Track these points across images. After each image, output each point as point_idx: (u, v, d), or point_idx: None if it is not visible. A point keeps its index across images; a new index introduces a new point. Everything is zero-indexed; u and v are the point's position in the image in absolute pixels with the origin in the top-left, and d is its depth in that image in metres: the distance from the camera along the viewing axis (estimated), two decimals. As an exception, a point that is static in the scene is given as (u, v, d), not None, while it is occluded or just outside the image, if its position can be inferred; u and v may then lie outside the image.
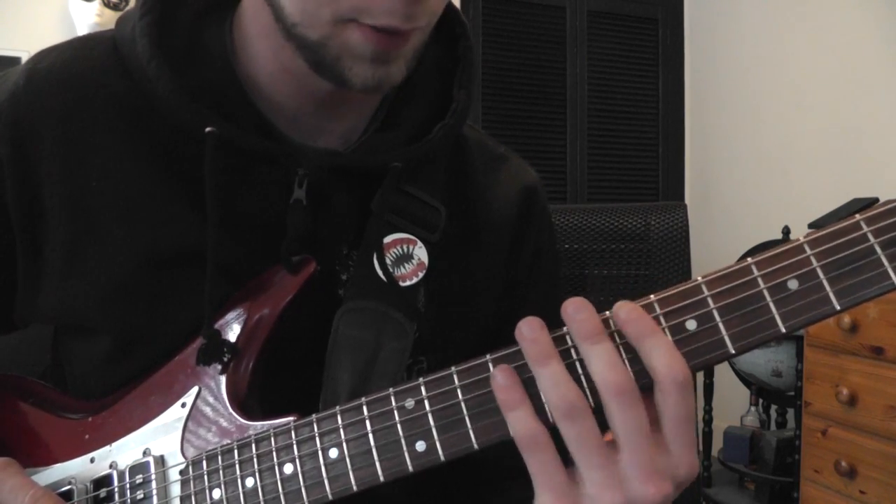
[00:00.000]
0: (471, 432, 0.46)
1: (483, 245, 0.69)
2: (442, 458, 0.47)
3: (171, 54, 0.58)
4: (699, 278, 0.44)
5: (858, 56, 2.61)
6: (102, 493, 0.56)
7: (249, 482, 0.51)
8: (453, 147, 0.69)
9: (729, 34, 3.24)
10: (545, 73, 3.24)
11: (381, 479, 0.47)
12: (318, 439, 0.49)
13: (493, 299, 0.69)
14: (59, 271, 0.59)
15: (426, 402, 0.47)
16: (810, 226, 2.12)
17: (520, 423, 0.43)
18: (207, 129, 0.56)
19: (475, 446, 0.46)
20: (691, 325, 0.44)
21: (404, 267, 0.61)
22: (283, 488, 0.50)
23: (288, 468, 0.50)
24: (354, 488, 0.48)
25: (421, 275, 0.61)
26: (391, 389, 0.49)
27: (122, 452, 0.56)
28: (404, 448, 0.47)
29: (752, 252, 2.55)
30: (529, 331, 0.44)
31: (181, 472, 0.54)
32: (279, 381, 0.59)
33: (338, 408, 0.50)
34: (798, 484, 1.99)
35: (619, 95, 3.37)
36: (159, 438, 0.55)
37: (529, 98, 3.21)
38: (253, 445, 0.51)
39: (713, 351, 0.44)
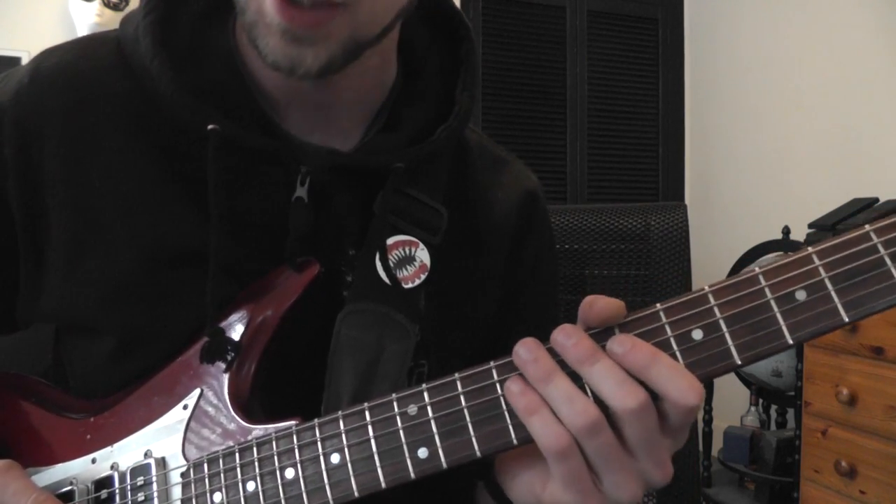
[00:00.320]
0: (473, 440, 0.46)
1: (484, 248, 0.68)
2: (444, 465, 0.46)
3: (174, 53, 0.58)
4: (706, 287, 0.44)
5: (858, 56, 2.61)
6: (103, 494, 0.55)
7: (251, 486, 0.50)
8: (455, 149, 0.69)
9: (729, 34, 3.24)
10: (545, 73, 3.24)
11: (383, 485, 0.47)
12: (319, 444, 0.49)
13: (494, 302, 0.69)
14: (61, 270, 0.58)
15: (429, 409, 0.47)
16: (810, 226, 2.12)
17: (545, 427, 0.43)
18: (210, 126, 0.55)
19: (478, 454, 0.46)
20: (697, 334, 0.43)
21: (406, 269, 0.61)
22: (284, 493, 0.49)
23: (289, 473, 0.50)
24: (356, 494, 0.48)
25: (423, 277, 0.61)
26: (394, 395, 0.48)
27: (124, 453, 0.56)
28: (406, 454, 0.47)
29: (752, 252, 2.55)
30: (527, 352, 0.44)
31: (182, 475, 0.53)
32: (281, 383, 0.59)
33: (340, 412, 0.49)
34: (798, 484, 1.99)
35: (619, 95, 3.37)
36: (161, 440, 0.55)
37: (529, 98, 3.21)
38: (254, 449, 0.51)
39: (719, 361, 0.43)
